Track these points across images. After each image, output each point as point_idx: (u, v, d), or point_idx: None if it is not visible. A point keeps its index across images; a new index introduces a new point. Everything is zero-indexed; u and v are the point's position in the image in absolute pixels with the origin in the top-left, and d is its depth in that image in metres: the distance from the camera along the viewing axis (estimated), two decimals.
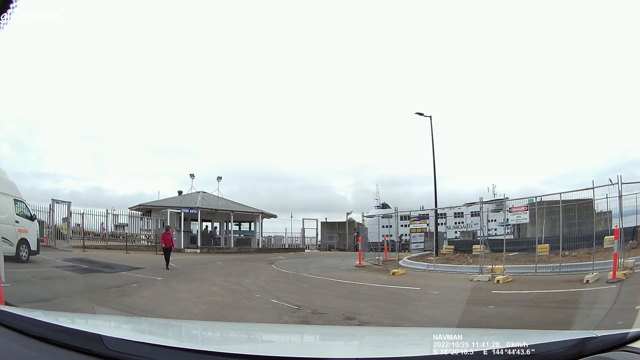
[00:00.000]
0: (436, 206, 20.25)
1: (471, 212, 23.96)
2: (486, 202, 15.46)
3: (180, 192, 28.94)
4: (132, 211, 25.46)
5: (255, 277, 13.07)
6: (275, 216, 30.83)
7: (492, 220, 15.35)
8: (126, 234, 23.36)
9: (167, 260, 14.23)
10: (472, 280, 12.04)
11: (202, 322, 5.31)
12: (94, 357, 1.69)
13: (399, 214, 18.69)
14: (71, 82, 52.16)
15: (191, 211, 24.92)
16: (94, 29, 50.30)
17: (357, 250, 18.17)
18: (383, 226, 22.49)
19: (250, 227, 30.13)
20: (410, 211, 21.24)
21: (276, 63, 59.74)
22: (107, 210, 23.49)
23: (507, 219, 14.95)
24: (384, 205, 31.69)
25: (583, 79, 57.14)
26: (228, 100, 56.33)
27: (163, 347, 1.81)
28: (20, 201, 12.63)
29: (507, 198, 18.49)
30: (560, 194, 13.65)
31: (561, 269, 11.90)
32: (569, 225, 13.69)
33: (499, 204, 16.51)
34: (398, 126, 67.69)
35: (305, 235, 31.83)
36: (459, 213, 25.47)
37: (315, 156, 62.74)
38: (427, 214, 20.17)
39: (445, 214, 23.95)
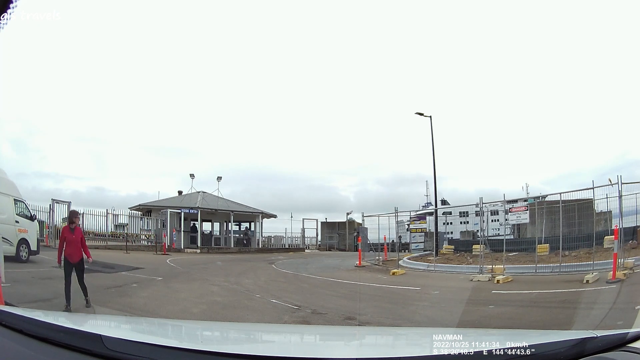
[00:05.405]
0: (436, 206, 20.38)
1: (491, 211, 23.30)
2: (486, 203, 15.45)
3: (180, 192, 28.97)
4: (132, 211, 25.45)
5: (255, 277, 13.06)
6: (275, 216, 30.84)
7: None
8: (126, 234, 23.36)
9: (69, 292, 7.16)
10: (472, 280, 12.03)
11: (202, 322, 5.32)
12: (94, 357, 1.69)
13: (399, 213, 18.66)
14: (72, 82, 52.08)
15: (191, 211, 24.93)
16: (94, 28, 50.22)
17: (357, 250, 18.16)
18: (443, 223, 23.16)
19: (250, 227, 30.13)
20: (410, 211, 21.23)
21: (277, 63, 59.71)
22: (107, 210, 23.47)
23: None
24: (444, 202, 31.29)
25: (583, 79, 57.07)
26: (229, 100, 56.22)
27: (163, 347, 1.82)
28: (20, 201, 12.64)
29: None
30: (561, 194, 13.67)
31: (561, 269, 11.89)
32: (569, 225, 13.70)
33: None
34: (401, 126, 67.57)
35: (305, 235, 31.81)
36: (464, 212, 25.46)
37: (317, 156, 62.45)
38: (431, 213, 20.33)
39: (450, 213, 24.14)
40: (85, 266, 7.49)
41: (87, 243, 7.92)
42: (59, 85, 48.31)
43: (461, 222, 28.08)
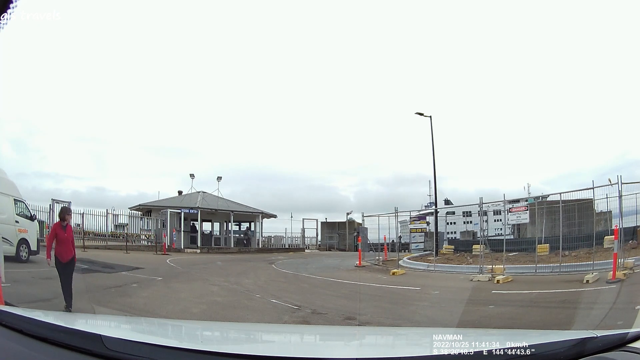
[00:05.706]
0: (436, 206, 20.39)
1: (493, 210, 23.13)
2: (487, 203, 15.49)
3: (180, 192, 28.98)
4: (132, 211, 25.47)
5: (255, 277, 13.05)
6: (275, 216, 30.84)
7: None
8: (126, 234, 23.36)
9: (66, 293, 6.81)
10: (472, 280, 12.03)
11: (202, 322, 5.32)
12: (94, 357, 1.69)
13: (399, 213, 18.68)
14: (72, 82, 52.06)
15: (191, 211, 24.93)
16: (94, 28, 50.21)
17: (357, 250, 18.16)
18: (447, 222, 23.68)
19: (250, 227, 30.14)
20: (410, 211, 21.24)
21: (277, 63, 59.67)
22: (107, 210, 23.48)
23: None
24: (447, 202, 31.31)
25: (583, 79, 57.06)
26: (229, 100, 56.17)
27: (163, 347, 1.82)
28: (20, 201, 12.63)
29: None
30: (561, 194, 13.68)
31: (561, 269, 11.88)
32: (569, 225, 13.69)
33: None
34: (401, 126, 67.52)
35: (305, 235, 31.80)
36: (467, 212, 25.49)
37: (317, 156, 62.23)
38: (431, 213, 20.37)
39: (453, 213, 24.17)
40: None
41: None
42: (59, 85, 48.33)
43: (464, 222, 28.10)
